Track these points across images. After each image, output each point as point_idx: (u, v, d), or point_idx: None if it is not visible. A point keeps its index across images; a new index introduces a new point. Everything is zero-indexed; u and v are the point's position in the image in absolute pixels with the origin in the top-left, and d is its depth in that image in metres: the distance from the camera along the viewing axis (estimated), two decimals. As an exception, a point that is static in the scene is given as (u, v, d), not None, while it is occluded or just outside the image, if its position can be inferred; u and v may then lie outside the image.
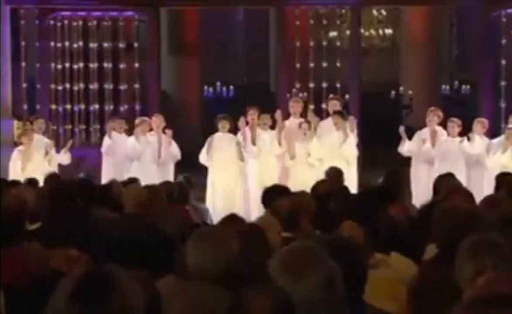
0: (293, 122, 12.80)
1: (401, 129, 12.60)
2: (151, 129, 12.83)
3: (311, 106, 15.14)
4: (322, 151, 12.14)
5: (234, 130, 12.69)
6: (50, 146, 12.53)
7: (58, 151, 12.97)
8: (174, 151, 12.72)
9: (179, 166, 12.72)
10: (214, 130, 12.73)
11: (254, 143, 12.42)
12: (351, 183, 11.75)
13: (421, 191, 11.45)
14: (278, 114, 12.53)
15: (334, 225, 5.04)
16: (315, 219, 6.23)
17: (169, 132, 12.68)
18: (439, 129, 12.51)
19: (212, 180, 12.47)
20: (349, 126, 12.29)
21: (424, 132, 12.58)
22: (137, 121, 13.05)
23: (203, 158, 12.49)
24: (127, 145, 12.73)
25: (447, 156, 12.18)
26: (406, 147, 12.50)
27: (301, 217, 5.95)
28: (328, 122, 12.74)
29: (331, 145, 12.24)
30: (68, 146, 12.88)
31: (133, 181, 9.14)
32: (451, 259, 3.59)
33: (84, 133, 15.51)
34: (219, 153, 12.45)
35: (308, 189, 7.56)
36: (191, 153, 13.12)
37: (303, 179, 11.34)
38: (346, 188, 8.14)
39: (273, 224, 5.11)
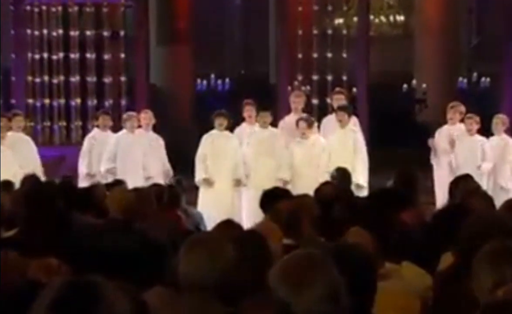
0: (294, 118, 12.79)
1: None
2: (139, 126, 12.84)
3: (315, 101, 15.17)
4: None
5: (232, 127, 12.66)
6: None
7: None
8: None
9: (175, 165, 12.70)
10: (208, 127, 12.71)
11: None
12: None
13: (444, 195, 11.48)
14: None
15: (340, 232, 5.05)
16: (318, 225, 6.24)
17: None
18: (459, 127, 12.46)
19: (205, 182, 12.44)
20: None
21: (443, 135, 12.50)
22: (124, 116, 13.05)
23: (199, 175, 12.41)
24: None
25: (466, 156, 12.15)
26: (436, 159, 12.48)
27: (303, 223, 5.97)
28: (332, 119, 12.74)
29: (336, 144, 12.26)
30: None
31: (119, 183, 9.15)
32: (469, 269, 3.60)
33: (64, 131, 15.51)
34: (215, 154, 12.43)
35: (311, 192, 7.58)
36: (183, 153, 13.14)
37: (305, 181, 11.35)
38: (351, 192, 8.17)
39: (273, 230, 5.12)
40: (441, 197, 11.46)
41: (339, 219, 6.38)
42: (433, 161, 12.51)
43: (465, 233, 4.43)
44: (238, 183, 12.39)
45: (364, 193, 11.77)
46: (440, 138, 12.55)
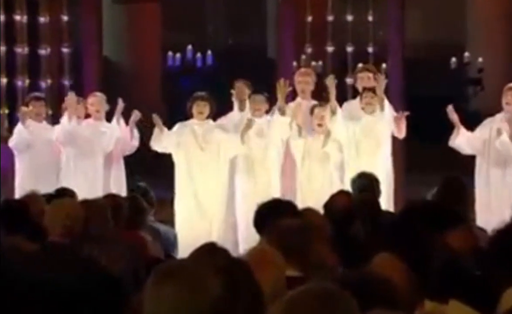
0: (301, 105, 12.79)
1: (450, 109, 12.52)
2: (88, 115, 12.82)
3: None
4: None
5: (215, 116, 12.57)
6: None
7: None
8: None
9: (132, 171, 12.73)
10: (183, 116, 12.69)
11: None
12: (386, 195, 11.83)
13: (493, 209, 11.52)
14: (281, 84, 12.48)
15: (362, 258, 5.09)
16: (334, 250, 6.28)
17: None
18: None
19: (183, 191, 12.44)
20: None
21: (497, 120, 12.54)
22: (65, 102, 12.98)
23: (156, 141, 12.45)
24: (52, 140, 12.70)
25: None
26: (459, 140, 12.41)
27: (313, 247, 6.00)
28: (356, 104, 12.76)
29: (361, 138, 12.32)
30: None
31: (62, 193, 9.17)
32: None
33: (-15, 121, 15.53)
34: (194, 151, 12.41)
35: (322, 202, 7.64)
36: (148, 152, 13.15)
37: (316, 188, 11.40)
38: (378, 205, 8.19)
39: (272, 257, 5.16)
40: (484, 212, 11.48)
41: (360, 242, 6.42)
42: (452, 143, 12.42)
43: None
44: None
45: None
46: (491, 127, 12.46)
